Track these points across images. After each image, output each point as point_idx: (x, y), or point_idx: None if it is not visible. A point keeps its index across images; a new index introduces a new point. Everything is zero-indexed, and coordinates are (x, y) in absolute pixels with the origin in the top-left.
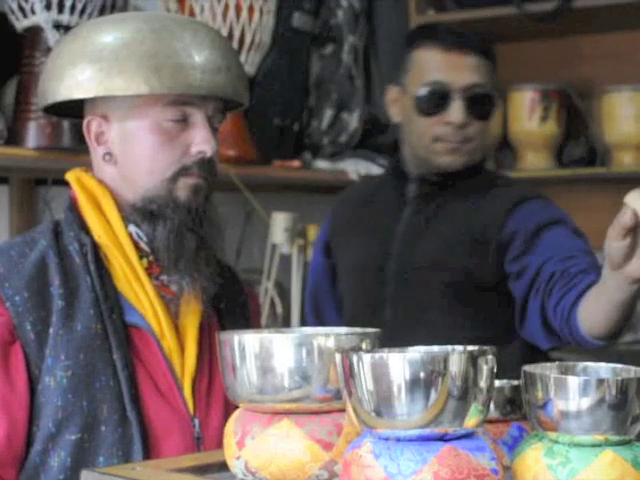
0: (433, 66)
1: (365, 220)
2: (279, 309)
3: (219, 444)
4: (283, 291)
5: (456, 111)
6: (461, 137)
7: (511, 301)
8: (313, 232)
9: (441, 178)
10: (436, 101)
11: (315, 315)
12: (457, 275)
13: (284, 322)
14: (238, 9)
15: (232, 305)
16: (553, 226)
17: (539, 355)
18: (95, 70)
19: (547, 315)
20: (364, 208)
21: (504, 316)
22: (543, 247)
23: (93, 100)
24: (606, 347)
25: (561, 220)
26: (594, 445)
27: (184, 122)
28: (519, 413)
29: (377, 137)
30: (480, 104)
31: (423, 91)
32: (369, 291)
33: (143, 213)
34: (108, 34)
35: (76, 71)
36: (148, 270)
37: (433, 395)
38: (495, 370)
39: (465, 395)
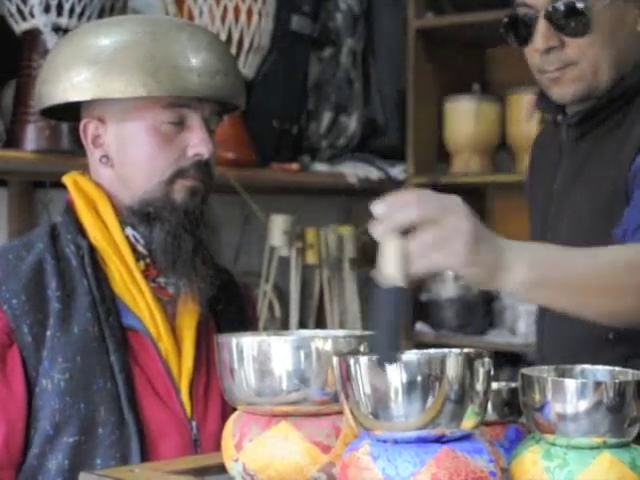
0: None
1: (542, 166)
2: (277, 311)
3: (217, 446)
4: (281, 293)
5: (538, 35)
6: (558, 63)
7: None
8: (311, 235)
9: (579, 115)
10: (521, 26)
11: None
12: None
13: (282, 324)
14: (237, 12)
15: (229, 307)
16: None
17: None
18: (92, 73)
19: None
20: (542, 153)
21: None
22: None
23: (90, 103)
24: None
25: None
26: (592, 447)
27: (181, 125)
28: (516, 415)
29: (376, 140)
30: (568, 19)
31: (508, 17)
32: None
33: (140, 215)
34: (105, 37)
35: (73, 74)
36: (145, 272)
37: (430, 397)
38: (492, 372)
39: (462, 397)
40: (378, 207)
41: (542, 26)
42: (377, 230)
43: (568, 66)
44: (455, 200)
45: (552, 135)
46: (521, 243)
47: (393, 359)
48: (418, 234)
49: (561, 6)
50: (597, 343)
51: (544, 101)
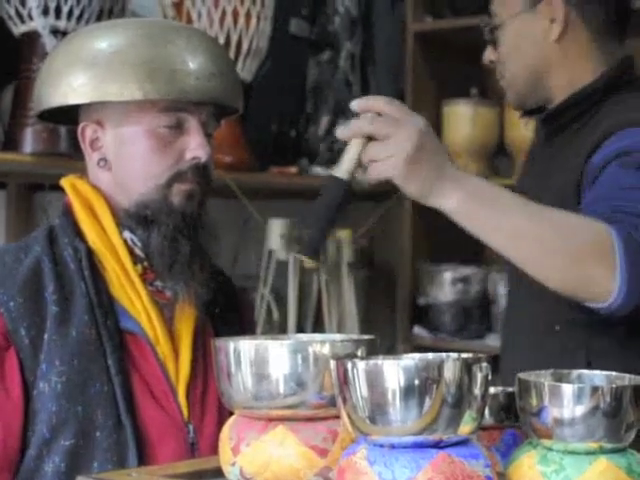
0: None
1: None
2: (275, 315)
3: (214, 450)
4: (279, 297)
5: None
6: (498, 75)
7: None
8: None
9: (539, 119)
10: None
11: None
12: None
13: (280, 328)
14: (235, 15)
15: (226, 311)
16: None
17: None
18: (89, 76)
19: None
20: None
21: None
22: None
23: (88, 106)
24: None
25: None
26: (588, 453)
27: (178, 128)
28: (513, 420)
29: None
30: (491, 35)
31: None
32: None
33: (137, 219)
34: (102, 40)
35: (71, 77)
36: (143, 276)
37: (427, 402)
38: (490, 377)
39: (459, 402)
40: (353, 104)
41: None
42: (343, 132)
43: (502, 78)
44: (415, 118)
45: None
46: (465, 174)
47: (312, 249)
48: (371, 144)
49: (486, 24)
50: (544, 334)
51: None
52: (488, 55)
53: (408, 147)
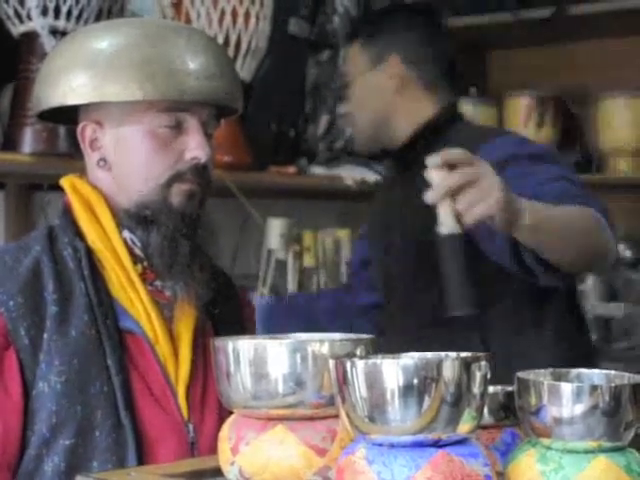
0: None
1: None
2: None
3: (213, 449)
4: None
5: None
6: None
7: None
8: (309, 238)
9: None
10: None
11: None
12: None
13: None
14: (234, 15)
15: (226, 311)
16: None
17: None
18: (89, 76)
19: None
20: None
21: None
22: None
23: (87, 106)
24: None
25: (536, 155)
26: (587, 451)
27: (178, 128)
28: (513, 419)
29: None
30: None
31: None
32: None
33: (137, 219)
34: (102, 40)
35: (70, 77)
36: (142, 276)
37: (426, 401)
38: (488, 376)
39: (458, 401)
40: (431, 175)
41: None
42: (434, 196)
43: (352, 126)
44: (484, 165)
45: None
46: (521, 198)
47: (468, 305)
48: (463, 194)
49: (340, 82)
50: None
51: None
52: (343, 108)
53: (495, 186)
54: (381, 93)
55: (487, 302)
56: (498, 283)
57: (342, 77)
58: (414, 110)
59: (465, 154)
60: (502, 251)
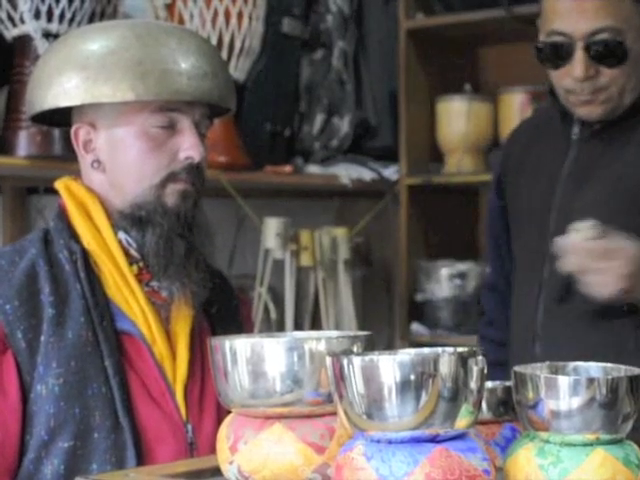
0: (552, 12)
1: (533, 161)
2: (273, 314)
3: (212, 449)
4: (276, 296)
5: (578, 65)
6: (591, 89)
7: None
8: (305, 237)
9: (602, 123)
10: (557, 53)
11: (496, 256)
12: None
13: (278, 327)
14: (227, 15)
15: (223, 310)
16: None
17: None
18: (81, 78)
19: None
20: (532, 147)
21: None
22: None
23: (80, 108)
24: None
25: None
26: (585, 444)
27: (171, 128)
28: (512, 414)
29: (368, 141)
30: (607, 52)
31: (543, 43)
32: (529, 244)
33: (132, 219)
34: (94, 42)
35: (63, 79)
36: (138, 276)
37: (424, 397)
38: (485, 371)
39: (456, 396)
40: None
41: (581, 56)
42: (568, 266)
43: (600, 91)
44: (621, 242)
45: (544, 134)
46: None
47: None
48: (589, 274)
49: (601, 40)
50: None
51: (563, 110)
52: (586, 70)
53: (625, 273)
54: None
55: None
56: None
57: (611, 38)
58: None
59: (597, 243)
60: None
